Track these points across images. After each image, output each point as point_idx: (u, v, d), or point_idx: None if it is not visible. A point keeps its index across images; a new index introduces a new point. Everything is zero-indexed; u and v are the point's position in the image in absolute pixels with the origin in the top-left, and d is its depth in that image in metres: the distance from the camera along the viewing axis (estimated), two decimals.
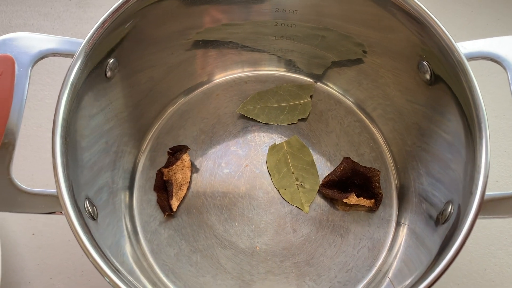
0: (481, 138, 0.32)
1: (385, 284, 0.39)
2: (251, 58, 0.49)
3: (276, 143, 0.46)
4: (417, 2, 0.36)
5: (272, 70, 0.50)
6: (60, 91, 0.33)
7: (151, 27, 0.41)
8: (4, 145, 0.32)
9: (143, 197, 0.44)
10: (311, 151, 0.46)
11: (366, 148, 0.46)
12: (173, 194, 0.43)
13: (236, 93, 0.49)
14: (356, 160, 0.45)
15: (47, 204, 0.32)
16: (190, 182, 0.44)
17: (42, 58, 0.35)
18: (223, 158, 0.46)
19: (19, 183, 0.32)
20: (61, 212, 0.31)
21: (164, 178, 0.44)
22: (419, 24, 0.36)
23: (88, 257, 0.30)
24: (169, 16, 0.41)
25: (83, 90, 0.34)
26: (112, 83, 0.40)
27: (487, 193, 0.31)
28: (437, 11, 0.36)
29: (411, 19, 0.37)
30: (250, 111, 0.47)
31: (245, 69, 0.50)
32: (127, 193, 0.44)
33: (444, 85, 0.37)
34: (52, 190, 0.32)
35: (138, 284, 0.32)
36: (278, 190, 0.44)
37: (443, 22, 0.35)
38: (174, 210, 0.43)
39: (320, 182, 0.44)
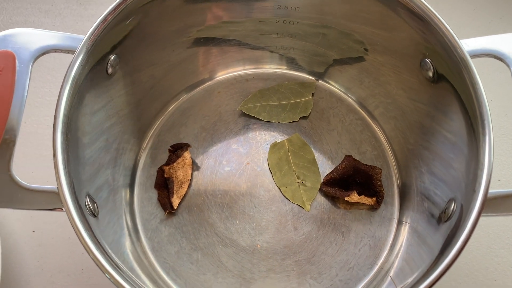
0: (484, 135, 0.32)
1: (386, 282, 0.39)
2: (252, 55, 0.49)
3: (278, 141, 0.46)
4: None
5: (274, 68, 0.50)
6: (61, 86, 0.32)
7: (153, 24, 0.40)
8: (5, 141, 0.32)
9: (143, 195, 0.44)
10: (312, 149, 0.46)
11: (367, 146, 0.46)
12: (174, 191, 0.43)
13: (238, 90, 0.48)
14: (357, 158, 0.45)
15: (48, 200, 0.31)
16: (191, 179, 0.44)
17: (43, 54, 0.34)
18: (224, 156, 0.45)
19: (20, 180, 0.32)
20: (62, 209, 0.31)
21: (165, 176, 0.44)
22: (422, 21, 0.36)
23: (89, 253, 0.29)
24: (170, 13, 0.41)
25: (84, 86, 0.34)
26: (113, 80, 0.39)
27: (490, 191, 0.31)
28: (440, 9, 0.36)
29: (414, 16, 0.37)
30: (251, 109, 0.47)
31: (247, 67, 0.49)
32: (128, 190, 0.44)
33: (447, 82, 0.36)
34: (52, 186, 0.31)
35: (138, 281, 0.32)
36: (279, 188, 0.44)
37: (446, 20, 0.35)
38: (175, 207, 0.43)
39: (322, 180, 0.44)
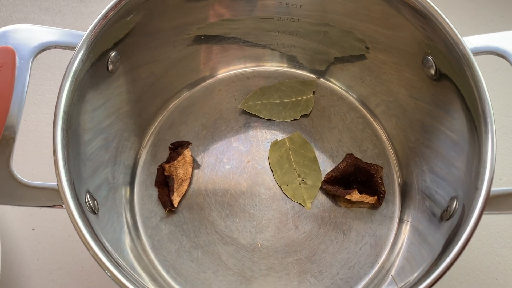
0: (486, 132, 0.31)
1: (387, 281, 0.39)
2: (253, 53, 0.48)
3: (278, 139, 0.46)
4: None
5: (275, 66, 0.49)
6: (62, 82, 0.32)
7: (153, 21, 0.40)
8: (5, 137, 0.32)
9: (144, 193, 0.44)
10: (313, 147, 0.45)
11: (369, 145, 0.46)
12: (174, 189, 0.43)
13: (239, 88, 0.48)
14: (358, 157, 0.45)
15: (48, 197, 0.31)
16: (191, 177, 0.44)
17: (43, 50, 0.34)
18: (224, 154, 0.45)
19: (19, 176, 0.32)
20: (62, 206, 0.31)
21: (165, 174, 0.44)
22: (424, 18, 0.36)
23: (89, 250, 0.29)
24: (171, 10, 0.41)
25: (84, 82, 0.34)
26: (114, 77, 0.39)
27: (492, 189, 0.30)
28: (441, 7, 0.36)
29: (416, 13, 0.37)
30: (252, 106, 0.47)
31: (248, 65, 0.49)
32: (128, 188, 0.44)
33: (449, 80, 0.36)
34: (52, 183, 0.31)
35: (139, 278, 0.32)
36: (280, 187, 0.44)
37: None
38: (175, 205, 0.42)
39: (323, 179, 0.44)
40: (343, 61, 0.47)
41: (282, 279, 0.40)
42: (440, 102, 0.39)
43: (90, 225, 0.31)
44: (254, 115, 0.47)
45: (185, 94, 0.48)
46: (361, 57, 0.45)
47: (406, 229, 0.42)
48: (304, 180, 0.44)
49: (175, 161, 0.44)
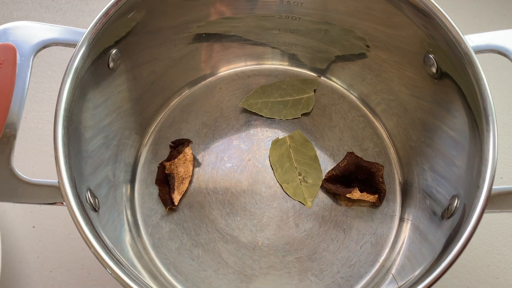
0: (488, 131, 0.31)
1: (388, 280, 0.39)
2: (254, 51, 0.48)
3: (279, 138, 0.46)
4: None
5: (276, 64, 0.49)
6: (63, 79, 0.32)
7: (154, 18, 0.40)
8: (5, 134, 0.32)
9: (144, 191, 0.44)
10: (314, 145, 0.45)
11: (369, 143, 0.46)
12: (175, 187, 0.43)
13: (239, 87, 0.48)
14: (359, 155, 0.45)
15: (48, 194, 0.31)
16: (192, 176, 0.44)
17: (44, 47, 0.34)
18: (225, 152, 0.45)
19: (20, 173, 0.31)
20: (63, 203, 0.31)
21: (166, 172, 0.44)
22: (426, 17, 0.36)
23: (90, 248, 0.29)
24: (172, 8, 0.41)
25: (85, 80, 0.34)
26: (114, 75, 0.39)
27: (493, 187, 0.30)
28: (442, 6, 0.35)
29: (417, 12, 0.36)
30: (253, 105, 0.47)
31: (248, 63, 0.49)
32: (129, 186, 0.43)
33: (450, 79, 0.36)
34: (53, 180, 0.31)
35: (140, 276, 0.32)
36: (280, 185, 0.44)
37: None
38: (176, 204, 0.42)
39: (323, 177, 0.44)
40: (344, 60, 0.47)
41: (283, 278, 0.40)
42: (441, 101, 0.39)
43: (91, 222, 0.31)
44: (255, 114, 0.47)
45: (186, 92, 0.48)
46: (362, 55, 0.45)
47: (406, 228, 0.42)
48: (305, 178, 0.44)
49: (176, 159, 0.44)
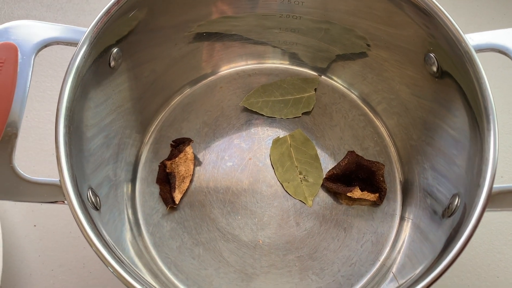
0: (489, 130, 0.31)
1: (388, 278, 0.39)
2: (255, 50, 0.48)
3: (280, 137, 0.46)
4: None
5: (276, 63, 0.49)
6: (64, 78, 0.32)
7: (155, 17, 0.40)
8: (7, 133, 0.32)
9: (145, 190, 0.44)
10: (315, 144, 0.45)
11: (370, 142, 0.46)
12: (176, 186, 0.43)
13: (240, 86, 0.48)
14: (360, 154, 0.45)
15: (50, 193, 0.31)
16: (193, 175, 0.44)
17: (45, 46, 0.34)
18: (226, 151, 0.45)
19: (22, 172, 0.32)
20: (64, 202, 0.31)
21: (167, 171, 0.44)
22: (427, 16, 0.36)
23: (91, 246, 0.29)
24: (172, 7, 0.41)
25: (87, 78, 0.34)
26: (115, 74, 0.39)
27: (494, 185, 0.30)
28: (443, 5, 0.35)
29: (418, 11, 0.36)
30: (253, 104, 0.47)
31: (249, 62, 0.49)
32: (130, 185, 0.44)
33: (451, 77, 0.36)
34: (54, 179, 0.31)
35: (141, 274, 0.32)
36: (281, 184, 0.44)
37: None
38: (177, 202, 0.42)
39: (324, 176, 0.44)
40: (345, 59, 0.47)
41: (284, 276, 0.40)
42: (441, 100, 0.39)
43: (92, 221, 0.31)
44: (256, 113, 0.47)
45: (187, 92, 0.48)
46: (363, 54, 0.45)
47: (407, 227, 0.42)
48: (306, 177, 0.44)
49: (177, 158, 0.44)
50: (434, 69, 0.38)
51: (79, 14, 0.54)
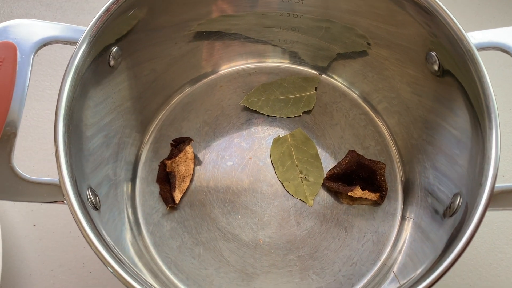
0: (491, 128, 0.31)
1: (390, 278, 0.39)
2: (255, 49, 0.48)
3: (280, 136, 0.46)
4: None
5: (277, 62, 0.49)
6: (63, 77, 0.32)
7: (154, 16, 0.40)
8: (6, 132, 0.31)
9: (145, 189, 0.44)
10: (315, 144, 0.45)
11: (371, 141, 0.46)
12: (176, 186, 0.43)
13: (240, 85, 0.48)
14: (361, 153, 0.44)
15: (49, 193, 0.31)
16: (193, 174, 0.44)
17: (44, 45, 0.34)
18: (226, 151, 0.45)
19: (21, 171, 0.31)
20: (63, 201, 0.30)
21: (167, 170, 0.44)
22: (429, 14, 0.36)
23: (91, 246, 0.29)
24: (172, 5, 0.41)
25: (86, 77, 0.34)
26: (115, 73, 0.39)
27: (496, 185, 0.30)
28: (443, 3, 0.35)
29: (419, 9, 0.36)
30: (254, 103, 0.47)
31: (249, 61, 0.49)
32: (130, 185, 0.43)
33: (452, 76, 0.36)
34: (54, 179, 0.31)
35: (141, 275, 0.32)
36: (282, 183, 0.44)
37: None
38: (177, 202, 0.42)
39: (325, 175, 0.44)
40: (345, 57, 0.46)
41: (284, 276, 0.40)
42: (443, 99, 0.39)
43: (92, 221, 0.31)
44: (256, 112, 0.47)
45: (187, 91, 0.48)
46: (363, 53, 0.45)
47: (408, 226, 0.42)
48: (306, 176, 0.44)
49: (177, 158, 0.44)
50: (436, 67, 0.38)
51: (78, 13, 0.54)
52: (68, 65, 0.33)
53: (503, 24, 0.53)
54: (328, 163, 0.45)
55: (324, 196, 0.43)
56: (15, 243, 0.44)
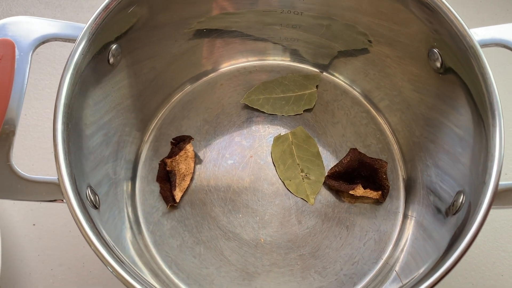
0: (494, 125, 0.31)
1: (392, 277, 0.39)
2: (255, 47, 0.48)
3: (281, 134, 0.45)
4: None
5: (277, 60, 0.49)
6: (62, 74, 0.32)
7: (154, 14, 0.40)
8: (4, 130, 0.31)
9: (145, 188, 0.43)
10: (316, 142, 0.45)
11: (372, 139, 0.45)
12: (176, 185, 0.42)
13: (241, 83, 0.48)
14: (362, 152, 0.44)
15: (48, 191, 0.31)
16: (193, 173, 0.44)
17: (43, 42, 0.34)
18: (227, 149, 0.45)
19: (20, 170, 0.31)
20: (62, 200, 0.30)
21: (167, 169, 0.43)
22: (431, 11, 0.35)
23: (90, 246, 0.29)
24: (172, 3, 0.40)
25: (85, 75, 0.34)
26: (115, 71, 0.39)
27: (499, 183, 0.30)
28: (446, 0, 0.35)
29: (422, 6, 0.36)
30: (254, 101, 0.46)
31: (250, 59, 0.49)
32: (130, 183, 0.43)
33: (455, 73, 0.36)
34: (53, 177, 0.31)
35: (141, 274, 0.32)
36: (283, 182, 0.43)
37: None
38: (177, 201, 0.42)
39: (326, 174, 0.44)
40: (347, 55, 0.46)
41: (285, 275, 0.40)
42: (445, 97, 0.38)
43: (92, 220, 0.31)
44: (257, 110, 0.46)
45: (187, 89, 0.48)
46: (365, 50, 0.45)
47: (410, 225, 0.42)
48: (307, 175, 0.44)
49: (177, 156, 0.43)
50: (438, 64, 0.37)
51: (77, 11, 0.54)
52: (67, 62, 0.32)
53: (505, 21, 0.53)
54: (330, 161, 0.44)
55: (325, 194, 0.43)
56: (14, 242, 0.44)
